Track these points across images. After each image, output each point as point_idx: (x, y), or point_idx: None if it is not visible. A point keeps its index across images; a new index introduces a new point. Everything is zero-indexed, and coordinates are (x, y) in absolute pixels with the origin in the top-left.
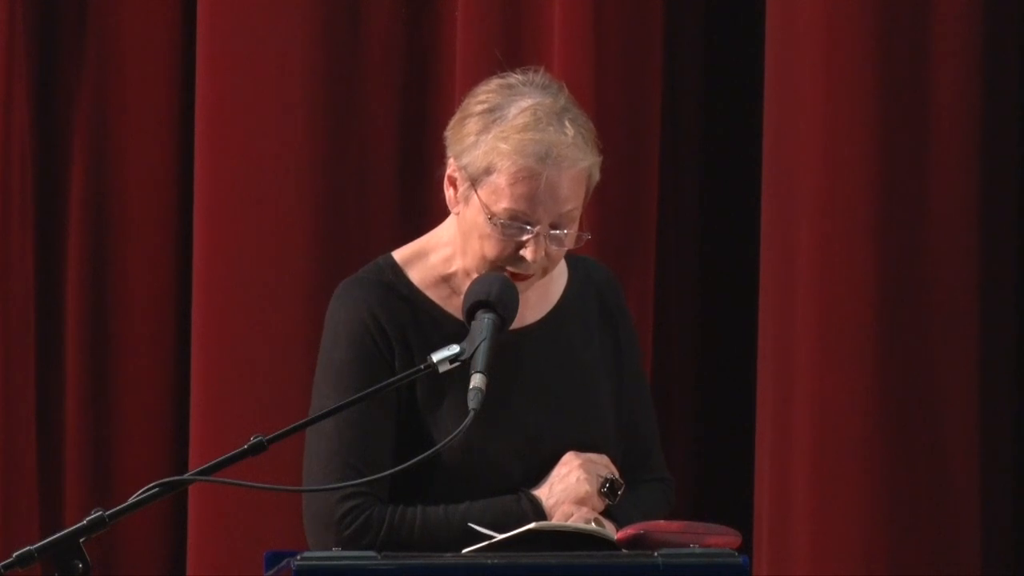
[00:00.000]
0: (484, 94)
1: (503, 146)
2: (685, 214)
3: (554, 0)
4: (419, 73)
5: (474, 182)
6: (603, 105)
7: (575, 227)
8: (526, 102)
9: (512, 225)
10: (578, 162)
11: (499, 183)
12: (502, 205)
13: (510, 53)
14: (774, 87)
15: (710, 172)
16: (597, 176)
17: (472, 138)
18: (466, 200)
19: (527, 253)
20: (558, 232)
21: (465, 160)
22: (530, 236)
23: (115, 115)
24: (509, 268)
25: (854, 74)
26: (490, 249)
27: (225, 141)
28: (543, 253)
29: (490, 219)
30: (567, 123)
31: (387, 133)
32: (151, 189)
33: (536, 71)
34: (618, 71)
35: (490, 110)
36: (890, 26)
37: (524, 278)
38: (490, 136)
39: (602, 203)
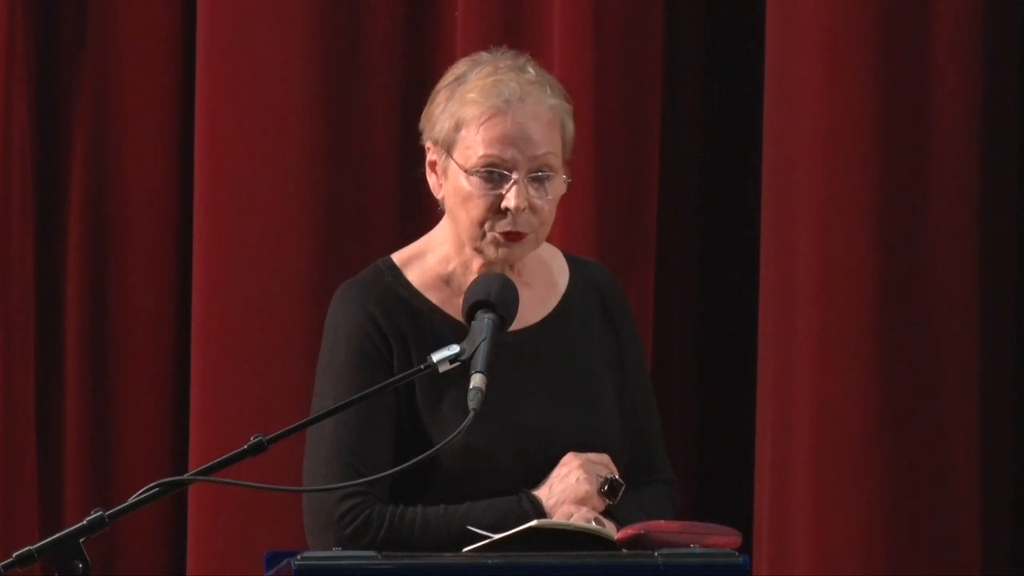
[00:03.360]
0: (450, 71)
1: (468, 96)
2: (685, 214)
3: (554, 0)
4: (419, 73)
5: (448, 149)
6: (603, 105)
7: (556, 175)
8: (488, 64)
9: (490, 175)
10: (543, 100)
11: (469, 135)
12: (476, 154)
13: None
14: (774, 87)
15: (710, 172)
16: (571, 126)
17: (441, 107)
18: (445, 173)
19: (510, 201)
20: (537, 174)
21: (436, 131)
22: (509, 184)
23: (115, 115)
24: (499, 228)
25: (854, 74)
26: (474, 209)
27: (225, 141)
28: (526, 203)
29: (468, 176)
30: (529, 69)
31: (387, 133)
32: (151, 189)
33: (500, 47)
34: (618, 71)
35: (455, 79)
36: (890, 26)
37: (517, 236)
38: (455, 98)
39: (602, 203)
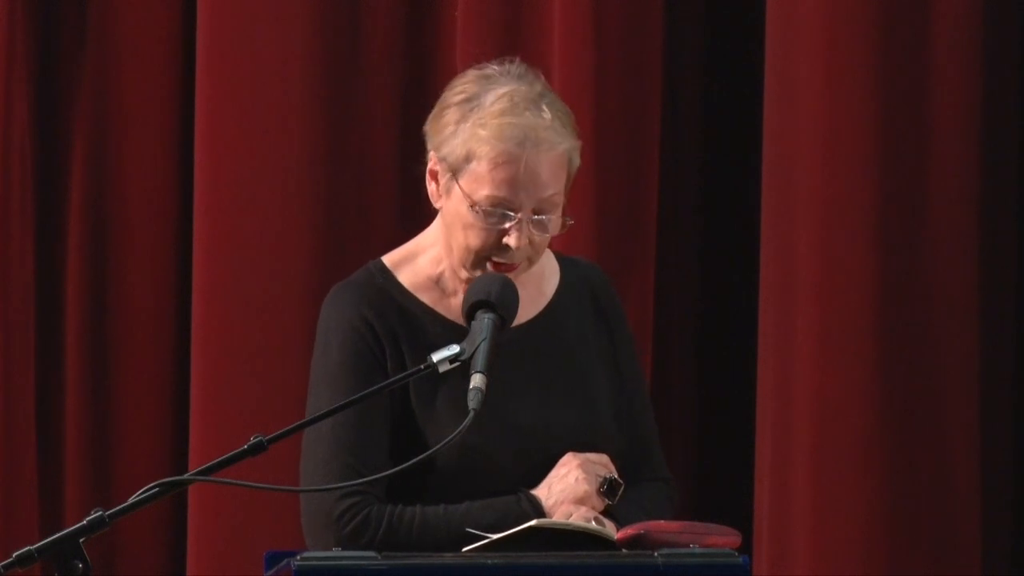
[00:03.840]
0: (461, 85)
1: (482, 132)
2: (685, 214)
3: (554, 0)
4: (419, 73)
5: (455, 172)
6: (603, 105)
7: (558, 213)
8: (503, 89)
9: (494, 212)
10: (557, 145)
11: (479, 170)
12: (483, 192)
13: (510, 53)
14: (774, 87)
15: (710, 172)
16: (578, 161)
17: (451, 128)
18: (448, 192)
19: (511, 240)
20: (541, 218)
21: (445, 151)
22: (512, 223)
23: (115, 115)
24: (494, 258)
25: (854, 74)
26: (473, 239)
27: (225, 141)
28: (527, 241)
29: (472, 207)
30: (544, 107)
31: (387, 133)
32: (151, 189)
33: (512, 61)
34: (618, 71)
35: (467, 99)
36: (890, 26)
37: (510, 268)
38: (468, 124)
39: (602, 203)
